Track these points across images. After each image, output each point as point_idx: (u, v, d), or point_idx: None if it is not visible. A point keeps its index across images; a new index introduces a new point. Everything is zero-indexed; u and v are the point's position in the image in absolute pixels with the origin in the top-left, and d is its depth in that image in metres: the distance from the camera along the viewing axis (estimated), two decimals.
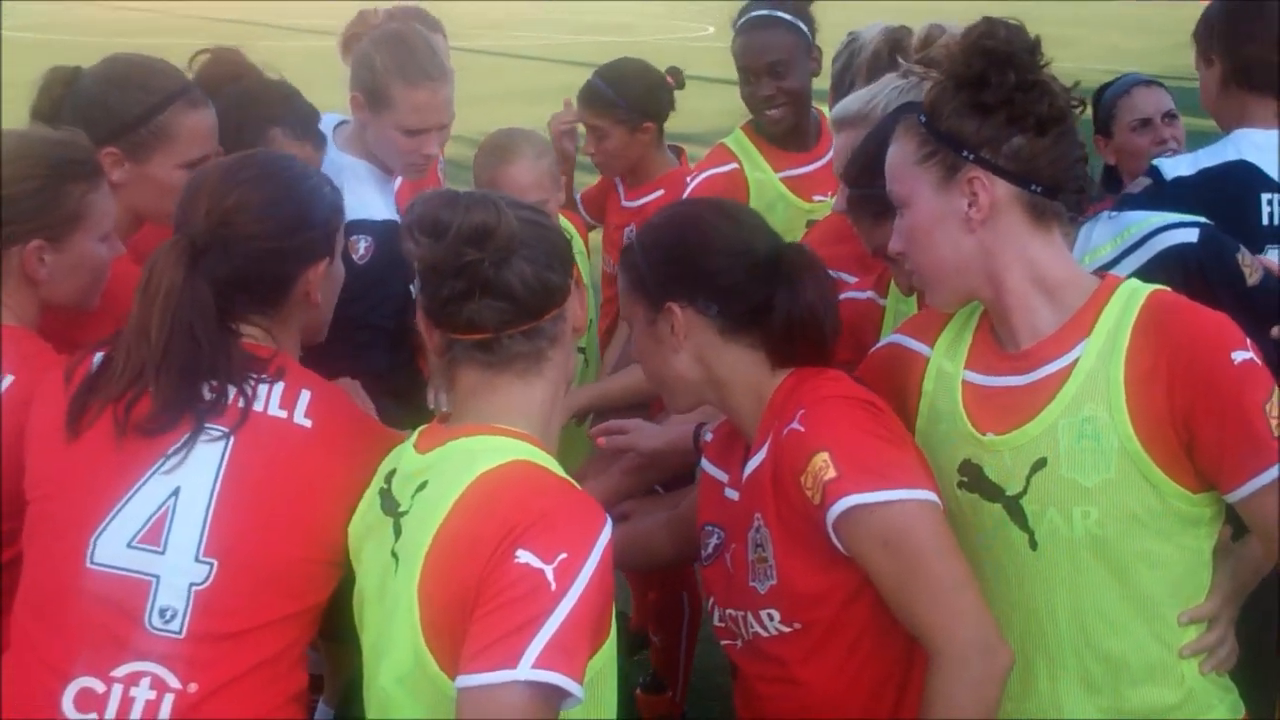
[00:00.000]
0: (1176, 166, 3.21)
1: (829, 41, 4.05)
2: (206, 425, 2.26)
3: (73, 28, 24.48)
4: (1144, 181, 3.25)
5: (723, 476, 2.51)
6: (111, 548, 2.22)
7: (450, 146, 3.89)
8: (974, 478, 2.32)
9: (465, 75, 4.04)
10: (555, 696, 1.95)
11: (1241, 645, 2.35)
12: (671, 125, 4.52)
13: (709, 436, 2.66)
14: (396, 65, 3.47)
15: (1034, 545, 2.27)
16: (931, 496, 2.23)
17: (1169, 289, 2.31)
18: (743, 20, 4.13)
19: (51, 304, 2.65)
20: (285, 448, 2.28)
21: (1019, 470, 2.26)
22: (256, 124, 3.19)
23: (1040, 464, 2.24)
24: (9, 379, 2.48)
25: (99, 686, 2.19)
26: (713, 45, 13.68)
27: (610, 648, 2.11)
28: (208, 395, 2.27)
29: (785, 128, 4.13)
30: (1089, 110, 2.62)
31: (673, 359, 2.42)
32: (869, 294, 3.08)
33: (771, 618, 2.35)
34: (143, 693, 2.18)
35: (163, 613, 2.20)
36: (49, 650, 2.22)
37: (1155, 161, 3.32)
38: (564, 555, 1.99)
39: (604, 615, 2.06)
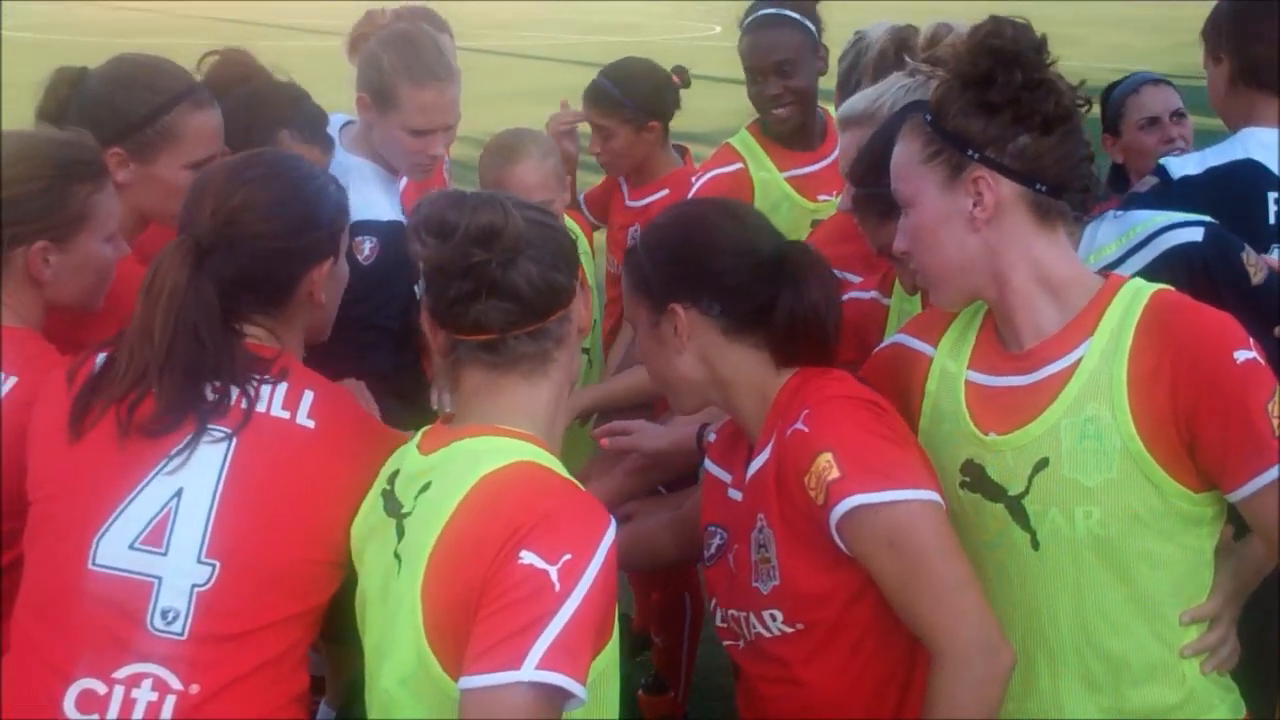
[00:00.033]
0: (1184, 165, 3.21)
1: (835, 41, 4.06)
2: (209, 426, 2.26)
3: (73, 28, 24.51)
4: (1151, 180, 3.25)
5: (726, 477, 2.51)
6: (114, 549, 2.22)
7: (456, 147, 3.90)
8: (976, 478, 2.31)
9: (472, 75, 4.04)
10: (559, 697, 1.95)
11: (1243, 645, 2.35)
12: (677, 125, 4.52)
13: (712, 437, 2.66)
14: (403, 65, 3.48)
15: (1036, 545, 2.27)
16: (935, 497, 2.23)
17: (1173, 288, 2.31)
18: (749, 20, 4.13)
19: (56, 305, 2.65)
20: (288, 449, 2.28)
21: (1021, 470, 2.26)
22: (265, 126, 3.20)
23: (1042, 464, 2.24)
24: (12, 380, 2.48)
25: (100, 688, 2.18)
26: (719, 45, 13.68)
27: (613, 649, 2.11)
28: (211, 396, 2.27)
29: (792, 127, 4.12)
30: (1095, 109, 2.62)
31: (676, 360, 2.42)
32: (873, 294, 3.07)
33: (774, 618, 2.35)
34: (144, 694, 2.18)
35: (165, 614, 2.20)
36: (50, 651, 2.22)
37: (1162, 161, 3.32)
38: (568, 556, 1.99)
39: (607, 616, 2.06)
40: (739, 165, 4.13)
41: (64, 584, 2.24)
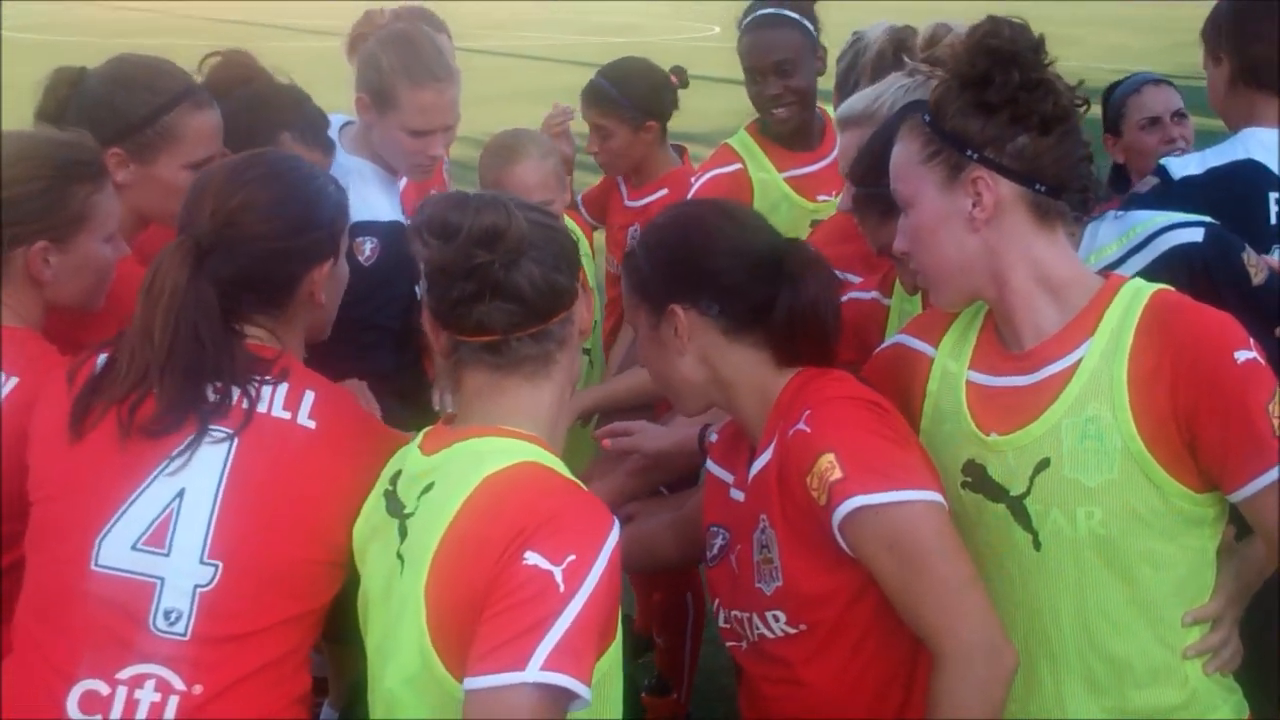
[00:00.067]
0: (1184, 166, 3.21)
1: (833, 41, 4.06)
2: (211, 427, 2.26)
3: (73, 28, 24.51)
4: (1151, 181, 3.25)
5: (728, 477, 2.51)
6: (116, 550, 2.22)
7: (456, 147, 3.90)
8: (978, 478, 2.32)
9: (471, 76, 4.04)
10: (563, 698, 1.95)
11: (1245, 646, 2.35)
12: (676, 125, 4.52)
13: (714, 438, 2.66)
14: (403, 66, 3.48)
15: (1037, 546, 2.27)
16: (937, 497, 2.23)
17: (1173, 288, 2.31)
18: (749, 20, 4.13)
19: (56, 305, 2.65)
20: (289, 449, 2.28)
21: (1022, 470, 2.26)
22: (267, 128, 3.19)
23: (1043, 464, 2.24)
24: (13, 381, 2.48)
25: (103, 689, 2.18)
26: (718, 45, 13.68)
27: (616, 650, 2.11)
28: (212, 397, 2.27)
29: (792, 127, 4.12)
30: (1095, 109, 2.62)
31: (677, 361, 2.42)
32: (873, 294, 3.07)
33: (777, 619, 2.35)
34: (147, 695, 2.18)
35: (167, 615, 2.20)
36: (53, 652, 2.22)
37: (1163, 161, 3.32)
38: (572, 557, 1.99)
39: (611, 617, 2.06)
40: (738, 166, 4.13)
41: (66, 585, 2.24)
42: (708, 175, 4.14)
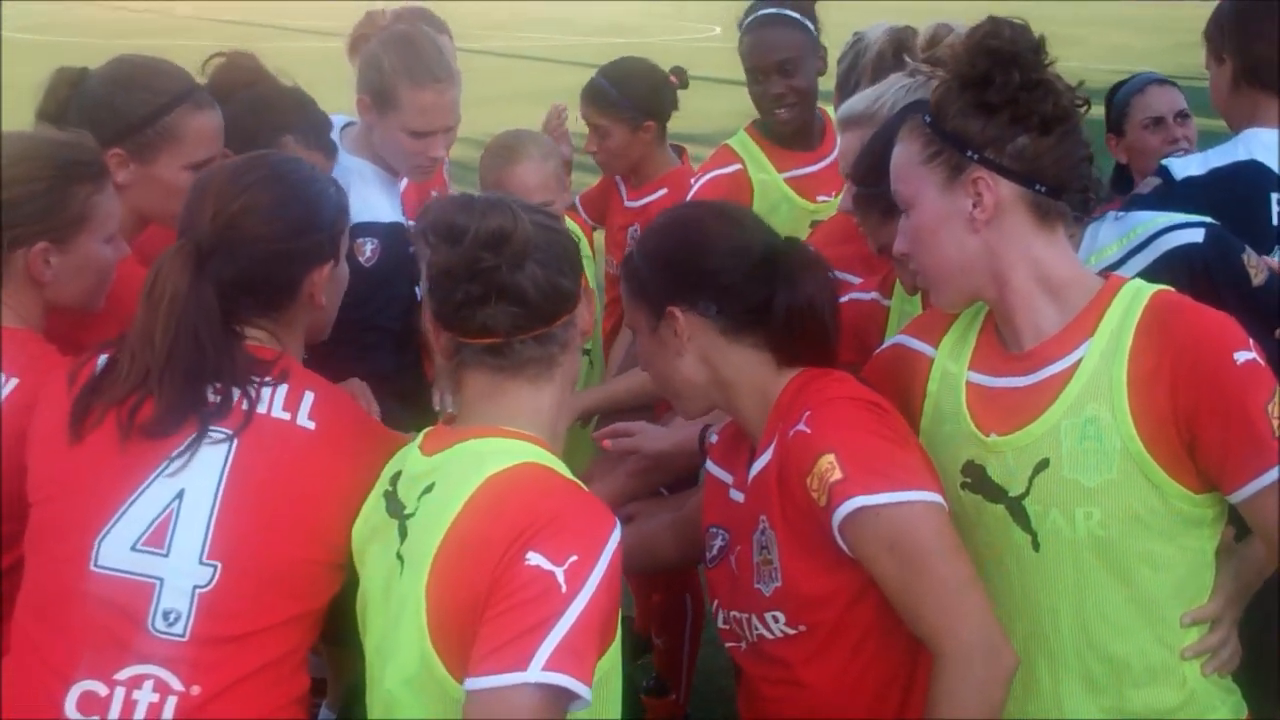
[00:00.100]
0: (1186, 166, 3.21)
1: (832, 42, 4.05)
2: (210, 428, 2.26)
3: (73, 29, 24.52)
4: (1153, 181, 3.25)
5: (728, 478, 2.51)
6: (115, 550, 2.22)
7: (456, 148, 3.90)
8: (977, 478, 2.32)
9: (471, 76, 4.04)
10: (564, 698, 1.95)
11: (1244, 646, 2.35)
12: (677, 126, 4.53)
13: (714, 438, 2.66)
14: (404, 67, 3.48)
15: (1036, 546, 2.27)
16: (937, 498, 2.23)
17: (1173, 289, 2.31)
18: (750, 19, 4.13)
19: (57, 306, 2.65)
20: (289, 450, 2.28)
21: (1021, 471, 2.26)
22: (269, 130, 3.19)
23: (1043, 465, 2.24)
24: (13, 381, 2.48)
25: (101, 689, 2.18)
26: (719, 46, 13.69)
27: (616, 650, 2.12)
28: (212, 398, 2.27)
29: (794, 128, 4.12)
30: (1096, 110, 2.62)
31: (678, 363, 2.42)
32: (873, 295, 3.07)
33: (776, 620, 2.35)
34: (145, 695, 2.18)
35: (166, 615, 2.20)
36: (51, 653, 2.22)
37: (1165, 161, 3.32)
38: (574, 558, 1.99)
39: (612, 617, 2.07)
40: (738, 166, 4.13)
41: (65, 585, 2.24)
42: (707, 176, 4.14)
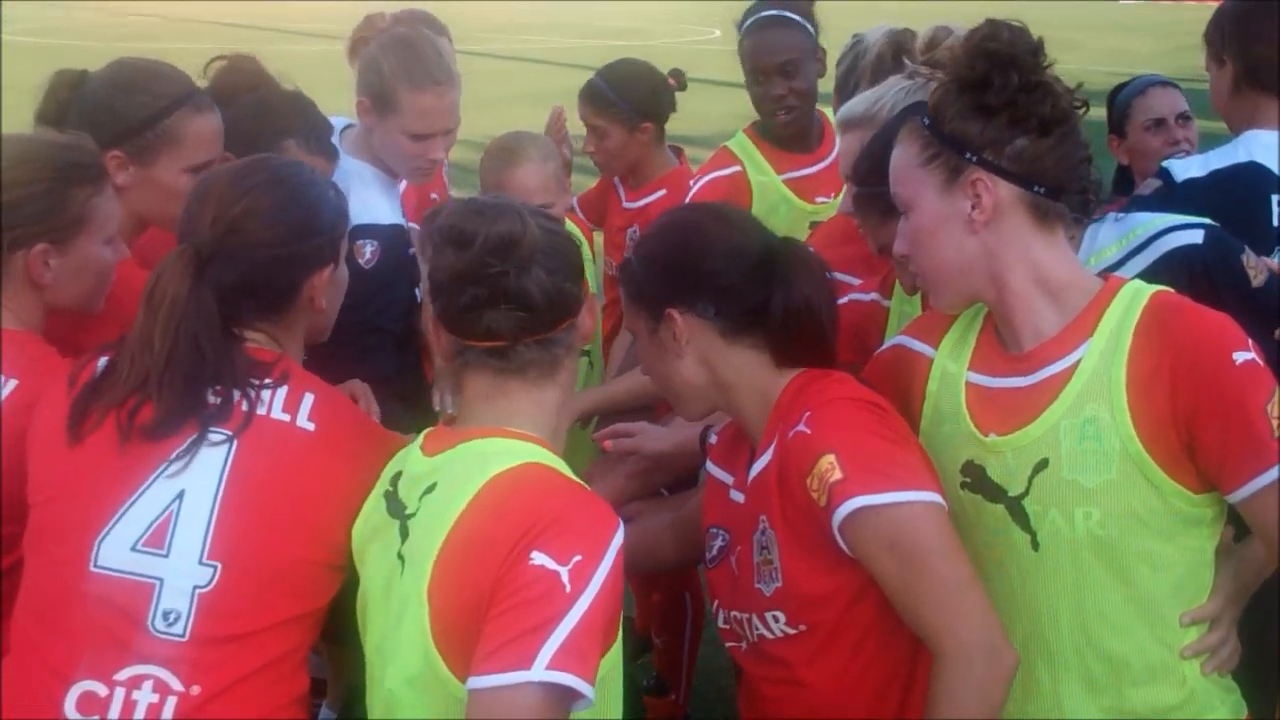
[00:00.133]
0: (1187, 168, 3.21)
1: (831, 44, 4.06)
2: (210, 429, 2.26)
3: (73, 32, 24.55)
4: (1154, 183, 3.25)
5: (728, 479, 2.51)
6: (115, 551, 2.23)
7: (456, 150, 3.90)
8: (976, 478, 2.32)
9: (471, 79, 4.04)
10: (567, 698, 1.95)
11: (1243, 646, 2.35)
12: (677, 128, 4.53)
13: (714, 439, 2.66)
14: (403, 70, 3.48)
15: (1036, 546, 2.27)
16: (937, 498, 2.23)
17: (1172, 290, 2.31)
18: (752, 21, 4.12)
19: (56, 308, 2.65)
20: (289, 451, 2.29)
21: (1021, 471, 2.26)
22: (271, 134, 3.19)
23: (1042, 465, 2.24)
24: (13, 383, 2.48)
25: (101, 690, 2.18)
26: (719, 49, 13.70)
27: (617, 650, 2.12)
28: (212, 400, 2.27)
29: (795, 130, 4.12)
30: (1096, 112, 2.63)
31: (677, 365, 2.42)
32: (873, 296, 3.08)
33: (776, 619, 2.35)
34: (145, 696, 2.18)
35: (166, 615, 2.20)
36: (51, 653, 2.22)
37: (1165, 163, 3.32)
38: (579, 557, 2.00)
39: (615, 617, 2.07)
40: (737, 168, 4.13)
41: (65, 586, 2.24)
42: (706, 178, 4.14)
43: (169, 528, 2.23)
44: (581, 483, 2.17)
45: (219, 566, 2.22)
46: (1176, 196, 3.10)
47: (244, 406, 2.28)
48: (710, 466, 2.59)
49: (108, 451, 2.26)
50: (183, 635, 2.20)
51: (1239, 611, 2.36)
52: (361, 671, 2.25)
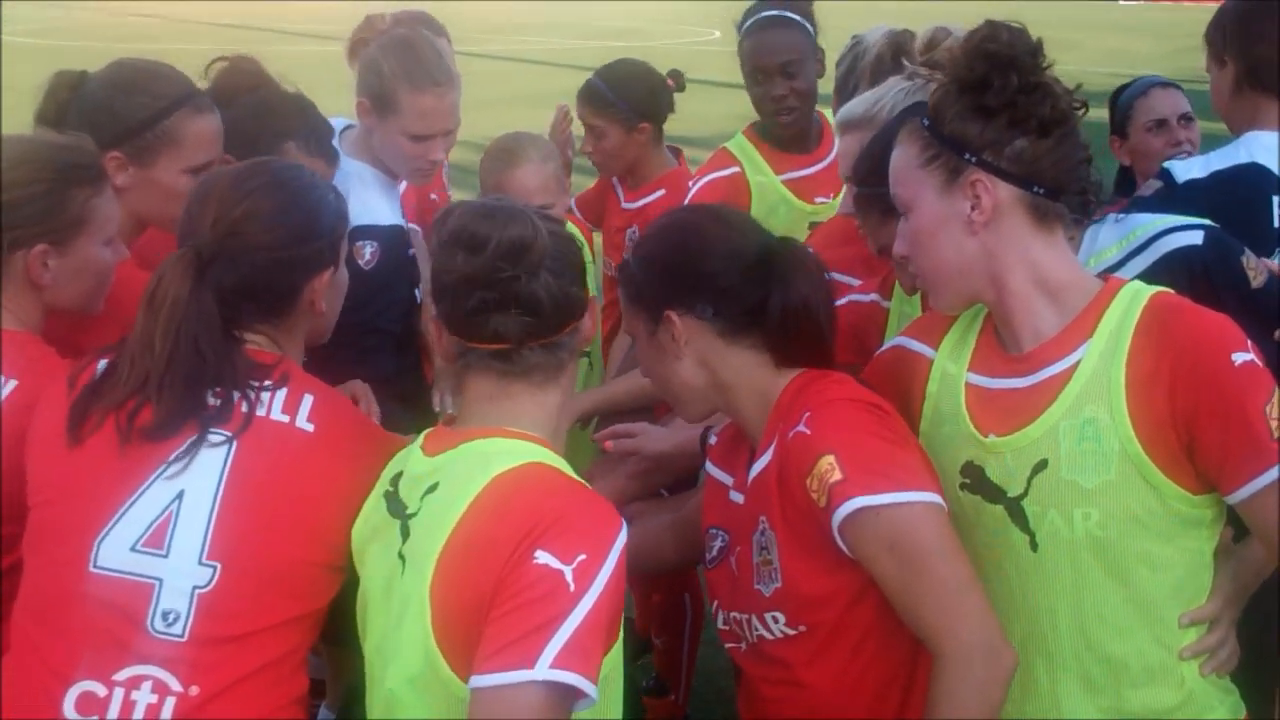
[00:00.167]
0: (1188, 169, 3.21)
1: (829, 45, 4.05)
2: (210, 430, 2.26)
3: (73, 32, 24.55)
4: (1155, 184, 3.25)
5: (727, 479, 2.51)
6: (115, 551, 2.23)
7: (456, 151, 3.90)
8: (976, 479, 2.32)
9: (471, 80, 4.04)
10: (570, 697, 1.96)
11: (1242, 647, 2.35)
12: (676, 129, 4.53)
13: (714, 440, 2.66)
14: (404, 71, 3.48)
15: (1035, 547, 2.27)
16: (936, 499, 2.23)
17: (1171, 291, 2.31)
18: (753, 21, 4.11)
19: (55, 308, 2.65)
20: (288, 452, 2.29)
21: (1020, 472, 2.26)
22: (271, 136, 3.19)
23: (1041, 465, 2.24)
24: (12, 384, 2.48)
25: (100, 690, 2.19)
26: (718, 49, 13.70)
27: (618, 650, 2.12)
28: (212, 401, 2.28)
29: (796, 130, 4.12)
30: (1093, 113, 2.63)
31: (677, 367, 2.42)
32: (873, 296, 3.07)
33: (776, 620, 2.35)
34: (144, 696, 2.18)
35: (165, 616, 2.20)
36: (50, 653, 2.22)
37: (1166, 164, 3.32)
38: (583, 557, 2.00)
39: (617, 617, 2.07)
40: (735, 169, 4.13)
41: (65, 587, 2.24)
42: (705, 179, 4.14)
43: (168, 528, 2.23)
44: (584, 483, 2.17)
45: (218, 567, 2.22)
46: (1177, 197, 3.10)
47: (244, 408, 2.28)
48: (710, 467, 2.60)
49: (107, 453, 2.26)
50: (182, 635, 2.20)
51: (1238, 613, 2.36)
52: (361, 672, 2.25)
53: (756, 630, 2.39)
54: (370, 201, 3.48)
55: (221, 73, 3.32)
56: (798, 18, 4.07)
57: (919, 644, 2.25)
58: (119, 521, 2.24)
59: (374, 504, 2.26)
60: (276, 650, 2.25)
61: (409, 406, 3.30)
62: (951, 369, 2.41)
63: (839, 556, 2.25)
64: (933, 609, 2.19)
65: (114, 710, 2.17)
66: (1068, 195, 2.31)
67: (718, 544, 2.49)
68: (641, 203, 4.41)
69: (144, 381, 2.26)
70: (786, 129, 4.10)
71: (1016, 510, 2.28)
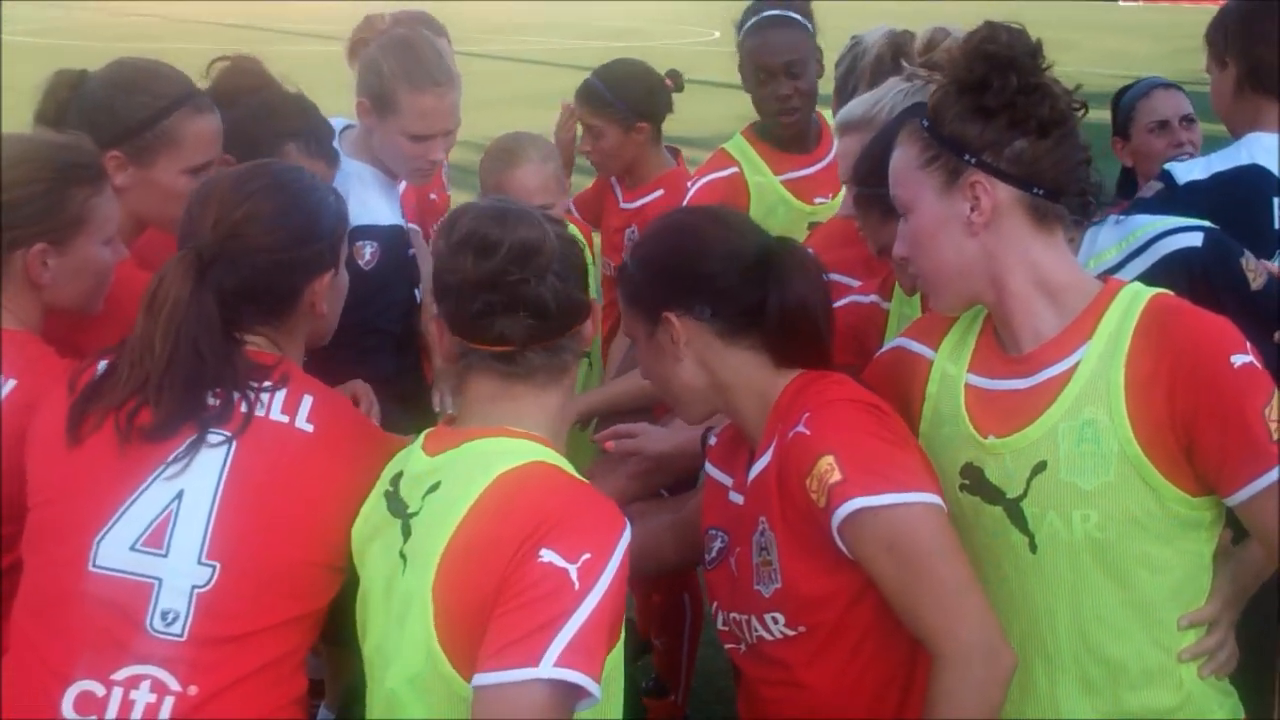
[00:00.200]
0: (1189, 170, 3.21)
1: (829, 45, 4.05)
2: (210, 431, 2.27)
3: (73, 32, 24.55)
4: (1156, 185, 3.25)
5: (727, 480, 2.51)
6: (114, 551, 2.23)
7: (456, 151, 3.91)
8: (975, 480, 2.32)
9: (471, 80, 4.04)
10: (574, 695, 1.96)
11: (1241, 649, 2.35)
12: (675, 129, 4.53)
13: (715, 440, 2.66)
14: (403, 71, 3.48)
15: (1034, 548, 2.27)
16: (936, 499, 2.23)
17: (1171, 293, 2.31)
18: (754, 20, 4.10)
19: (55, 308, 2.65)
20: (287, 452, 2.29)
21: (1019, 473, 2.26)
22: (272, 137, 3.19)
23: (1040, 467, 2.24)
24: (11, 383, 2.48)
25: (99, 689, 2.19)
26: (718, 50, 13.70)
27: (619, 650, 2.12)
28: (211, 402, 2.28)
29: (797, 130, 4.12)
30: (1093, 114, 2.63)
31: (677, 368, 2.42)
32: (873, 298, 3.07)
33: (776, 621, 2.35)
34: (143, 696, 2.18)
35: (164, 615, 2.21)
36: (49, 653, 2.22)
37: (1167, 166, 3.32)
38: (588, 555, 2.01)
39: (620, 616, 2.08)
40: (734, 170, 4.13)
41: (64, 586, 2.24)
42: (704, 180, 4.13)
43: (168, 528, 2.23)
44: (586, 481, 2.18)
45: (218, 567, 2.22)
46: (1178, 199, 3.10)
47: (243, 408, 2.28)
48: (709, 468, 2.60)
49: (107, 453, 2.26)
50: (181, 635, 2.20)
51: (1237, 614, 2.36)
52: (360, 672, 2.25)
53: (756, 631, 2.39)
54: (370, 201, 3.48)
55: (223, 72, 3.32)
56: (799, 17, 4.07)
57: (918, 645, 2.25)
58: (118, 521, 2.24)
59: (374, 504, 2.27)
60: (276, 650, 2.25)
61: (409, 406, 3.30)
62: (951, 370, 2.41)
63: (838, 557, 2.25)
64: (932, 610, 2.19)
65: (112, 710, 2.18)
66: (1067, 196, 2.31)
67: (717, 545, 2.49)
68: (640, 203, 4.41)
69: (144, 382, 2.26)
70: (788, 129, 4.10)
71: (1016, 511, 2.28)
